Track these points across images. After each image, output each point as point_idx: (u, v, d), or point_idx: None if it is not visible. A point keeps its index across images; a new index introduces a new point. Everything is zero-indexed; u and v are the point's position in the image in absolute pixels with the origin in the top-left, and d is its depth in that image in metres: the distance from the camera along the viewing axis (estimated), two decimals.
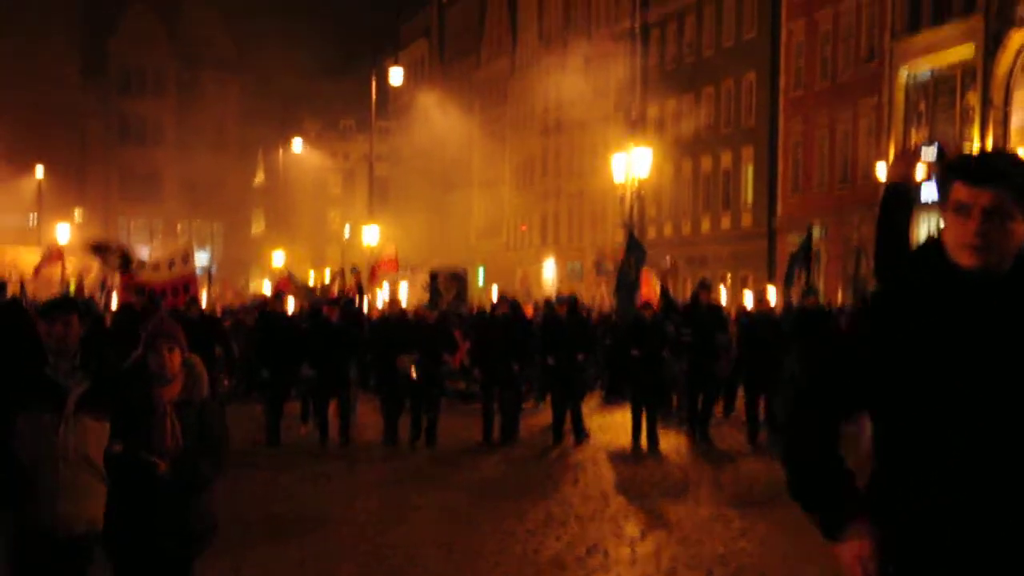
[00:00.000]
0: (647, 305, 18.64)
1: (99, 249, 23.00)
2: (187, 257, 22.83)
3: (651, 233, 51.25)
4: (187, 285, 21.89)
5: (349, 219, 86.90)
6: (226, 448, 5.97)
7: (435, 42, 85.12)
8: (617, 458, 16.27)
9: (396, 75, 63.43)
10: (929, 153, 5.57)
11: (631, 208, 37.70)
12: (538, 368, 19.57)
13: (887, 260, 4.80)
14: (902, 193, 4.85)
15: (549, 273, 63.59)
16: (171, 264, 22.47)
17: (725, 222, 49.48)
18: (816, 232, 42.00)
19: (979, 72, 33.93)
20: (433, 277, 28.89)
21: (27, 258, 52.13)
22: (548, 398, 22.27)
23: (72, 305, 6.04)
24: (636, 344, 17.65)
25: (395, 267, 28.78)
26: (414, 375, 17.31)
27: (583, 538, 10.85)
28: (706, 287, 18.82)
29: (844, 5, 41.17)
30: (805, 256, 23.32)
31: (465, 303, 28.57)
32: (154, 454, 5.58)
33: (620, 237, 43.97)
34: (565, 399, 18.08)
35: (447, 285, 28.00)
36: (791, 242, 44.21)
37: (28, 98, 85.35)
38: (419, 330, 17.80)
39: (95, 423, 5.72)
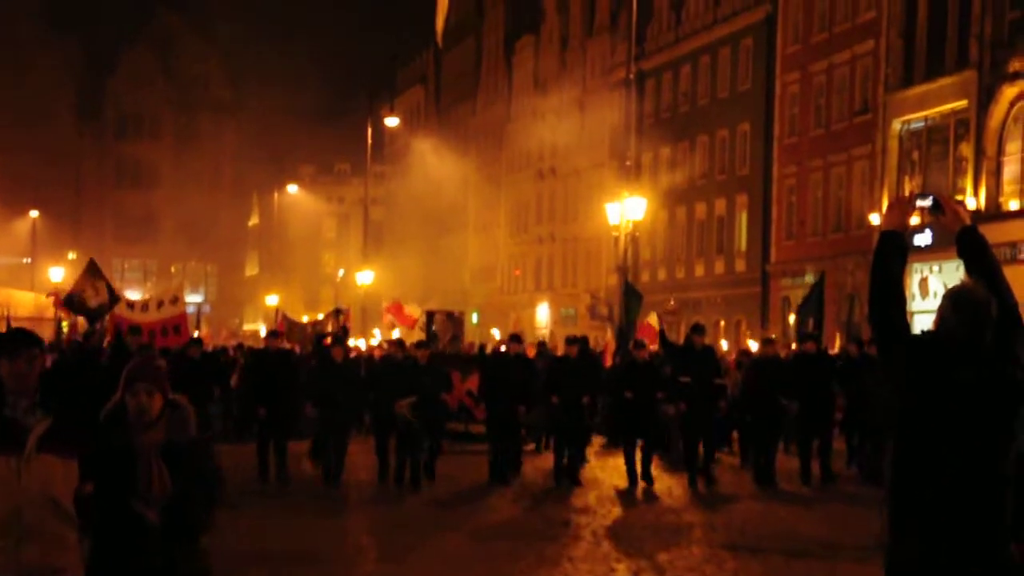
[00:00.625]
0: (640, 344, 18.43)
1: (71, 301, 22.89)
2: (176, 298, 22.99)
3: (645, 277, 51.30)
4: (177, 326, 22.01)
5: (343, 262, 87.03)
6: (221, 487, 5.69)
7: (431, 87, 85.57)
8: (612, 501, 16.22)
9: (392, 120, 63.78)
10: (924, 201, 5.65)
11: (625, 252, 37.79)
12: (544, 410, 19.27)
13: (881, 306, 4.86)
14: (896, 240, 4.92)
15: (543, 317, 63.63)
16: (160, 304, 22.56)
17: (719, 267, 49.62)
18: (809, 278, 42.18)
19: (972, 123, 34.13)
20: (429, 317, 28.67)
21: (20, 300, 52.05)
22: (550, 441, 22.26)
23: (35, 340, 5.58)
24: (629, 386, 17.59)
25: (411, 323, 28.94)
26: (410, 417, 17.05)
27: None
28: (700, 331, 18.79)
29: (838, 58, 41.49)
30: (817, 302, 23.12)
31: (461, 344, 28.53)
32: (140, 501, 5.33)
33: (614, 281, 44.06)
34: (568, 442, 17.89)
35: (443, 326, 27.94)
36: (785, 287, 44.40)
37: (23, 140, 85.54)
38: (415, 372, 17.49)
39: (60, 463, 5.21)
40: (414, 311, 30.28)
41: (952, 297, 4.73)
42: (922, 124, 36.92)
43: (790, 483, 17.67)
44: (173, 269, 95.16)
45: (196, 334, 26.41)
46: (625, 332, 25.91)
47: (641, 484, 17.10)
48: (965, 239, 4.97)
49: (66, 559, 5.22)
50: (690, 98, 52.14)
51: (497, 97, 72.71)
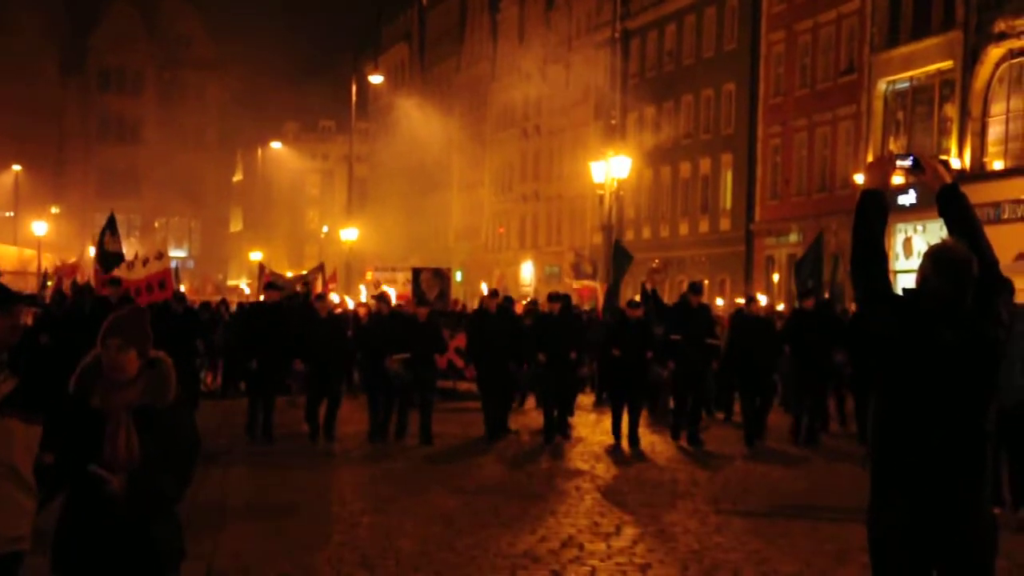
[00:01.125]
0: (634, 304, 18.13)
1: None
2: (160, 254, 22.84)
3: (629, 235, 51.39)
4: (162, 281, 21.87)
5: (327, 219, 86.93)
6: (194, 461, 5.21)
7: (415, 45, 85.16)
8: (598, 457, 16.30)
9: (376, 77, 63.45)
10: (904, 161, 5.59)
11: (610, 211, 37.80)
12: (531, 367, 19.22)
13: (863, 265, 4.87)
14: (877, 199, 4.93)
15: (527, 275, 63.68)
16: (145, 262, 22.45)
17: (703, 226, 49.68)
18: (794, 237, 42.32)
19: (957, 84, 34.15)
20: (416, 274, 28.23)
21: (3, 253, 51.87)
22: (532, 397, 22.22)
23: (14, 297, 5.20)
24: (617, 344, 17.54)
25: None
26: (401, 373, 17.07)
27: (557, 532, 10.90)
28: (697, 289, 18.51)
29: (824, 17, 41.39)
30: (815, 260, 22.86)
31: (448, 302, 28.37)
32: (105, 467, 4.83)
33: (598, 239, 44.12)
34: (555, 398, 17.89)
35: (430, 283, 27.44)
36: (769, 246, 44.50)
37: (6, 94, 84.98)
38: (410, 329, 17.34)
39: (22, 427, 4.89)
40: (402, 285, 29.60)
41: (933, 256, 4.72)
42: (907, 84, 36.92)
43: (779, 442, 17.73)
44: (157, 224, 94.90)
45: (181, 288, 26.37)
46: (612, 291, 25.93)
47: (625, 444, 17.10)
48: (946, 197, 4.99)
49: (22, 528, 4.97)
50: (675, 57, 52.02)
51: (482, 55, 72.41)
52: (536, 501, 12.61)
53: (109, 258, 22.73)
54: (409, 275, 29.24)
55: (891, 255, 35.76)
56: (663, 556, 10.04)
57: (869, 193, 4.93)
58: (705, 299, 19.30)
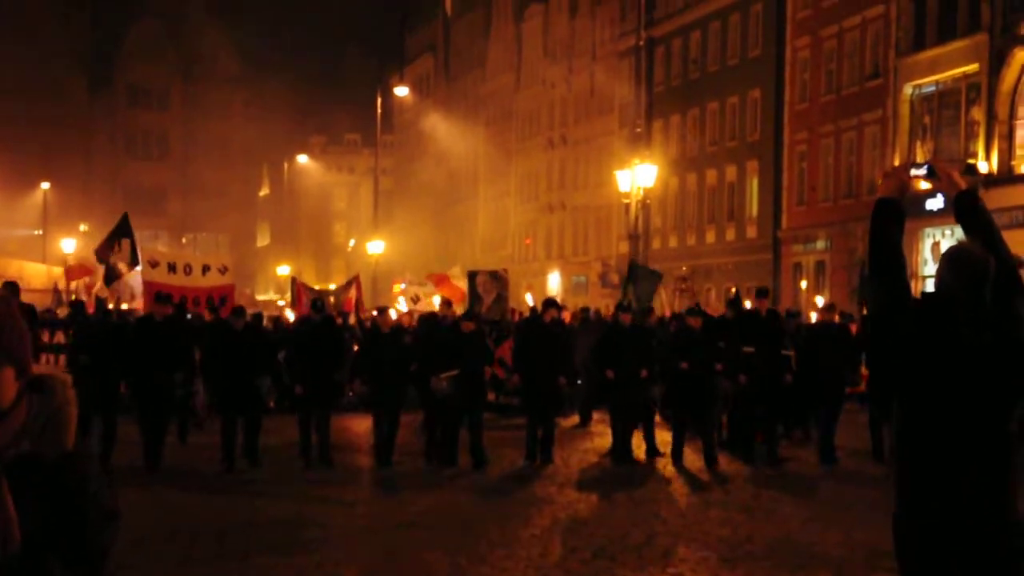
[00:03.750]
0: (696, 312, 16.83)
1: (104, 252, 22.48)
2: (225, 268, 21.92)
3: (656, 244, 51.38)
4: (224, 297, 21.07)
5: (354, 232, 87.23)
6: (105, 540, 2.96)
7: (440, 57, 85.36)
8: (632, 472, 16.04)
9: (401, 89, 63.67)
10: (919, 170, 5.55)
11: (636, 220, 37.77)
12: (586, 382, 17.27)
13: (880, 274, 4.89)
14: (893, 207, 4.96)
15: (554, 285, 63.68)
16: (206, 269, 21.52)
17: (730, 234, 49.58)
18: (821, 244, 42.19)
19: (984, 87, 34.00)
20: (471, 277, 25.52)
21: (32, 271, 52.18)
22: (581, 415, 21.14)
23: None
24: (684, 356, 16.14)
25: (461, 296, 24.87)
26: (449, 392, 15.67)
27: (589, 543, 10.88)
28: (764, 294, 17.23)
29: (849, 23, 41.27)
30: None
31: (506, 308, 25.31)
32: None
33: (625, 249, 44.06)
34: (628, 418, 16.49)
35: (487, 287, 24.83)
36: (796, 253, 44.36)
37: (34, 112, 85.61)
38: (458, 343, 15.89)
39: None
40: (460, 281, 27.17)
41: (948, 256, 4.73)
42: (933, 88, 36.77)
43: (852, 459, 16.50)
44: (184, 240, 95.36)
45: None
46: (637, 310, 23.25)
47: (704, 464, 15.71)
48: (961, 203, 5.01)
49: None
50: (700, 65, 51.98)
51: (507, 65, 72.53)
52: (565, 511, 12.59)
53: (113, 273, 22.21)
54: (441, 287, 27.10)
55: (919, 260, 35.73)
56: (695, 566, 10.02)
57: (884, 201, 4.96)
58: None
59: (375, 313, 18.82)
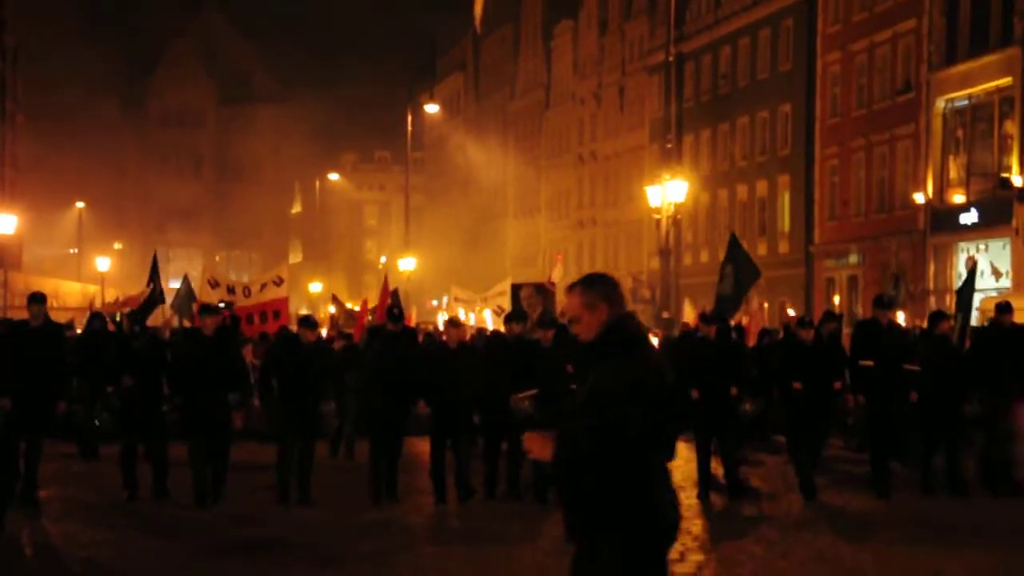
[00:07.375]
0: (805, 323, 15.04)
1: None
2: (280, 280, 20.59)
3: (687, 260, 51.30)
4: (277, 311, 20.11)
5: (385, 249, 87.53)
6: None
7: (470, 74, 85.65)
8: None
9: (432, 107, 63.89)
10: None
11: (667, 235, 37.72)
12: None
13: None
14: None
15: None
16: (262, 287, 20.57)
17: (762, 249, 49.38)
18: (853, 259, 42.02)
19: (1017, 100, 33.82)
20: (515, 291, 23.72)
21: (68, 289, 52.67)
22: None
23: None
24: (799, 374, 14.33)
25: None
26: (532, 412, 13.45)
27: None
28: (884, 304, 15.13)
29: (879, 37, 41.15)
30: (969, 289, 18.29)
31: (552, 322, 23.65)
32: None
33: (656, 264, 44.01)
34: (710, 443, 14.28)
35: (531, 301, 22.81)
36: (828, 268, 44.21)
37: (69, 133, 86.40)
38: (535, 357, 13.90)
39: None
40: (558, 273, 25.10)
41: None
42: (966, 102, 36.61)
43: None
44: (217, 258, 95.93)
45: (303, 311, 23.38)
46: (728, 302, 20.23)
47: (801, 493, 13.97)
48: None
49: None
50: (730, 80, 51.95)
51: (536, 82, 72.69)
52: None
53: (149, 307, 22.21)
54: (489, 300, 25.22)
55: (952, 274, 35.55)
56: None
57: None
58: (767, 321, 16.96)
59: (438, 326, 17.45)
